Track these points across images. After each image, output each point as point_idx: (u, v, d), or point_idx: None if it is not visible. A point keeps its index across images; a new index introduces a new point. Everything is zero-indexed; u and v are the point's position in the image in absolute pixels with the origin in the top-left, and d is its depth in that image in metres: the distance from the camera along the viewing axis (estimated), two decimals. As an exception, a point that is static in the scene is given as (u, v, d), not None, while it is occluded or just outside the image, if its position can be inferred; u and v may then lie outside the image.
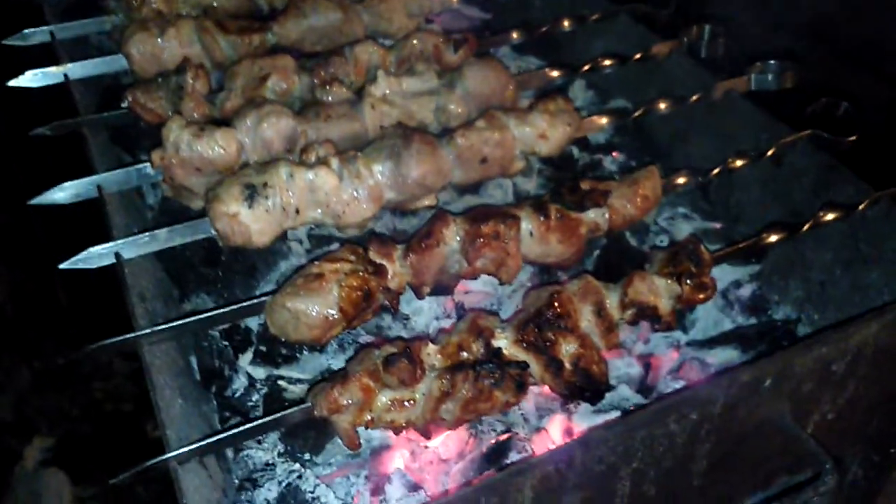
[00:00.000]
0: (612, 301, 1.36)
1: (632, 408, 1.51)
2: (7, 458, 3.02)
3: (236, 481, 1.35)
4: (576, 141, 1.93)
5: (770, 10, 2.02)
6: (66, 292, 3.40)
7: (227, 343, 1.53)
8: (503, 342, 1.29)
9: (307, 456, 1.41)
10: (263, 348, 1.51)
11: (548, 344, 1.29)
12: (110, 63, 1.83)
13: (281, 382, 1.48)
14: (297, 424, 1.42)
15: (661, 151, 1.82)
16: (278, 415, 1.20)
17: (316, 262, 1.34)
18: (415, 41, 1.83)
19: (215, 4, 1.99)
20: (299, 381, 1.48)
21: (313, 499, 1.33)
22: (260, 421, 1.19)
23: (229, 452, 1.41)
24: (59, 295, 3.47)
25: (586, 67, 1.86)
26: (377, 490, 1.37)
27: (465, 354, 1.27)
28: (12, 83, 1.76)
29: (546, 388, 1.53)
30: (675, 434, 1.25)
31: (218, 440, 1.17)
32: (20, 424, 3.22)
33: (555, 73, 1.84)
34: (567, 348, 1.30)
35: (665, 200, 1.85)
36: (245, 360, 1.51)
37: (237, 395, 1.48)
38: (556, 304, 1.30)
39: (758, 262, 1.76)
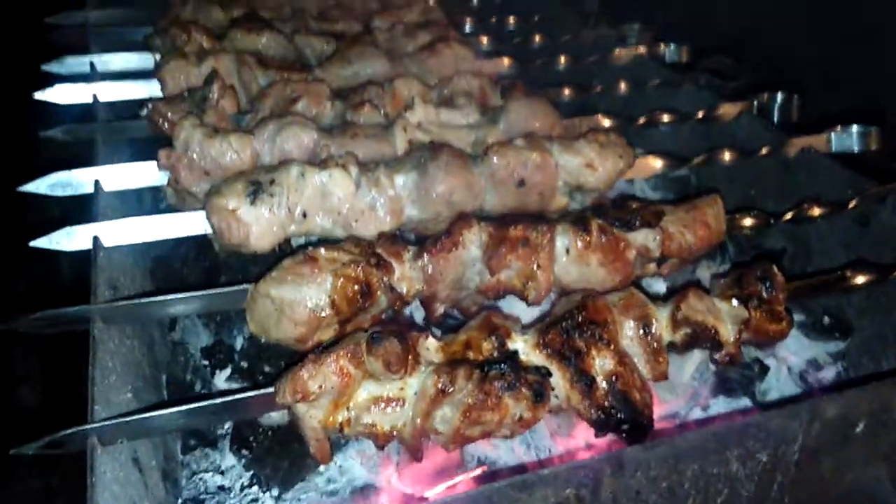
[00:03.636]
0: (661, 319, 1.11)
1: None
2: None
3: (179, 501, 1.08)
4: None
5: (849, 75, 1.86)
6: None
7: (206, 362, 1.32)
8: (521, 345, 1.04)
9: (275, 490, 1.14)
10: (245, 364, 1.29)
11: (577, 354, 1.03)
12: (143, 87, 1.77)
13: (258, 402, 1.23)
14: (268, 451, 1.18)
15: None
16: (229, 398, 0.96)
17: (311, 248, 1.15)
18: (459, 81, 1.73)
19: (261, 50, 1.94)
20: (279, 401, 1.23)
21: (267, 529, 1.05)
22: (204, 403, 0.95)
23: (182, 479, 1.16)
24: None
25: (642, 120, 1.71)
26: (352, 537, 1.08)
27: (472, 356, 1.03)
28: (38, 95, 1.70)
29: (576, 439, 1.26)
30: (738, 479, 0.96)
31: (148, 418, 0.93)
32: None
33: (606, 122, 1.69)
34: (601, 363, 1.04)
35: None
36: (221, 377, 1.28)
37: (205, 414, 1.24)
38: (590, 307, 1.06)
39: (842, 339, 1.48)
